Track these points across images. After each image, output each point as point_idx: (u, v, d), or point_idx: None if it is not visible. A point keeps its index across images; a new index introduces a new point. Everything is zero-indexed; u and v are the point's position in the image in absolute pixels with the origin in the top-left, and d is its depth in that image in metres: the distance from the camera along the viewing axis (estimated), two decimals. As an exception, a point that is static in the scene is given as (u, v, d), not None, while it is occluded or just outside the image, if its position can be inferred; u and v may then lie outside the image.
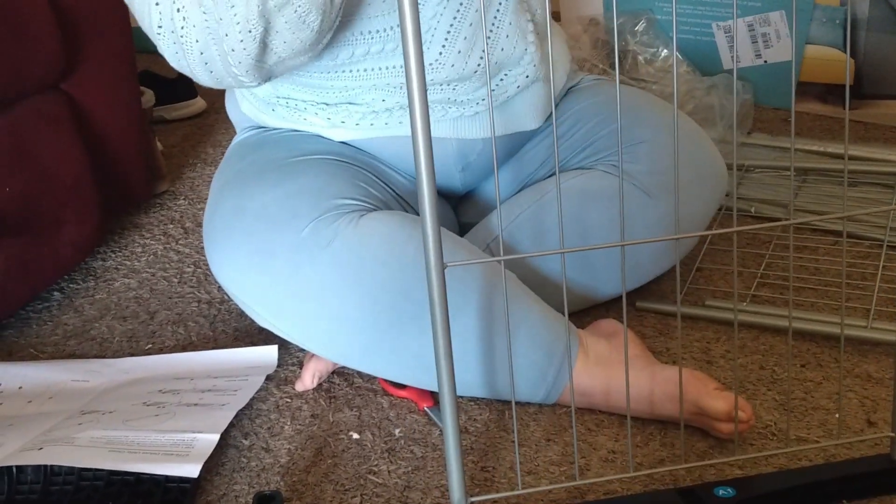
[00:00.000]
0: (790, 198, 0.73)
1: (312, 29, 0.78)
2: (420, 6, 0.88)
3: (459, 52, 0.90)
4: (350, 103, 0.93)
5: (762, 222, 1.20)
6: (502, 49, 0.93)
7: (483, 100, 0.93)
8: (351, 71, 0.91)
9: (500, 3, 0.92)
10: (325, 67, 0.91)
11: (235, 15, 0.75)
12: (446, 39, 0.90)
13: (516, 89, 0.96)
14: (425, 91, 0.55)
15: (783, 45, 1.51)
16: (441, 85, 0.91)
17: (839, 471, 0.78)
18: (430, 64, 0.90)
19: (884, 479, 0.76)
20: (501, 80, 0.95)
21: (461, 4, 0.90)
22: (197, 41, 0.78)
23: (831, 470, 0.78)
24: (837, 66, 1.49)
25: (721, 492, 0.74)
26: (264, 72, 0.83)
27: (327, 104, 0.94)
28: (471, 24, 0.91)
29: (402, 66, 0.91)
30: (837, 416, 0.85)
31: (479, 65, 0.92)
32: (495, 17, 0.92)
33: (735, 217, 0.76)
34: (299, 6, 0.75)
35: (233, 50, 0.78)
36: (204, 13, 0.77)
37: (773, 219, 1.20)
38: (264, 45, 0.79)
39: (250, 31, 0.76)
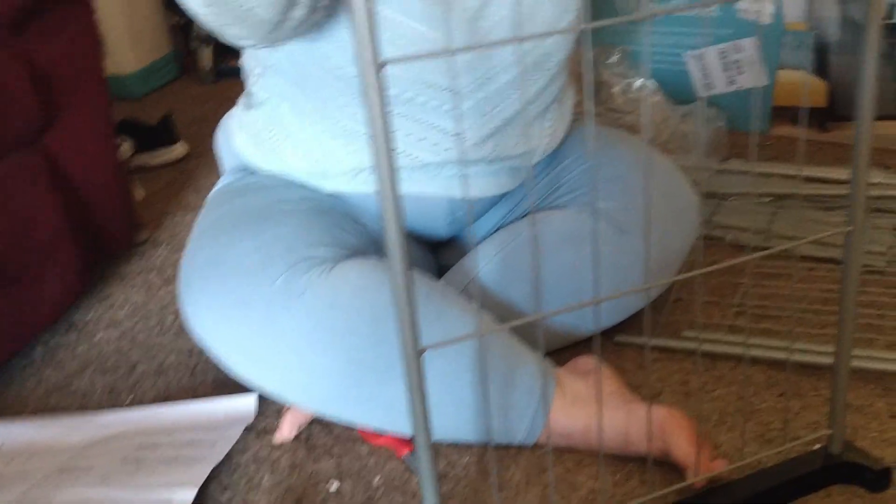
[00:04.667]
0: (755, 225, 0.73)
1: None
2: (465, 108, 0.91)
3: (474, 143, 0.94)
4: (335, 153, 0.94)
5: (738, 250, 1.20)
6: (515, 144, 0.96)
7: (476, 164, 0.95)
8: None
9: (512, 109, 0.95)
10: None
11: None
12: (481, 144, 0.93)
13: (509, 165, 0.98)
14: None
15: (756, 70, 1.52)
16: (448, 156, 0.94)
17: (792, 470, 0.80)
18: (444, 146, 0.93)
19: (826, 472, 0.80)
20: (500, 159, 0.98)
21: (496, 107, 0.93)
22: None
23: (785, 471, 0.80)
24: (809, 89, 1.50)
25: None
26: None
27: (310, 152, 0.94)
28: (498, 125, 0.94)
29: (407, 135, 0.92)
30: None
31: (487, 154, 0.95)
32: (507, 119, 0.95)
33: (702, 254, 0.76)
34: None
35: None
36: None
37: (749, 247, 1.20)
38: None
39: None
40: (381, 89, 0.50)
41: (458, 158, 0.93)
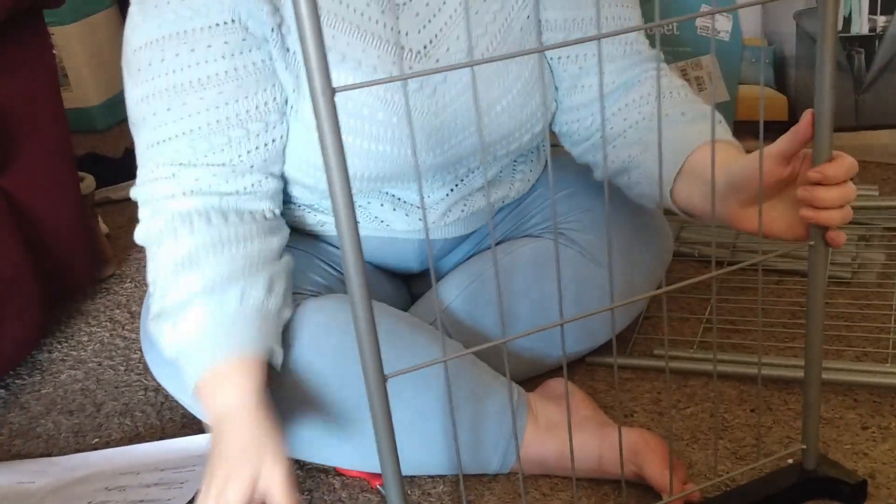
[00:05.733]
0: (715, 241, 0.73)
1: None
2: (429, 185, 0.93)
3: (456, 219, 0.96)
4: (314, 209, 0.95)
5: (706, 265, 1.21)
6: (482, 196, 0.98)
7: (448, 210, 0.96)
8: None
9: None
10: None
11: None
12: (450, 211, 0.95)
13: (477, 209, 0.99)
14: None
15: (716, 86, 1.53)
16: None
17: (768, 487, 0.80)
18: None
19: (802, 487, 0.80)
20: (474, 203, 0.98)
21: (462, 181, 0.94)
22: None
23: (760, 488, 0.80)
24: (770, 103, 1.52)
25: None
26: None
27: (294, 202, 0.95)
28: (464, 195, 0.95)
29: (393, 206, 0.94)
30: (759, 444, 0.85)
31: (458, 216, 0.97)
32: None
33: (664, 280, 0.76)
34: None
35: None
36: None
37: (718, 262, 1.21)
38: None
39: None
40: (334, 116, 0.51)
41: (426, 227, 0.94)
